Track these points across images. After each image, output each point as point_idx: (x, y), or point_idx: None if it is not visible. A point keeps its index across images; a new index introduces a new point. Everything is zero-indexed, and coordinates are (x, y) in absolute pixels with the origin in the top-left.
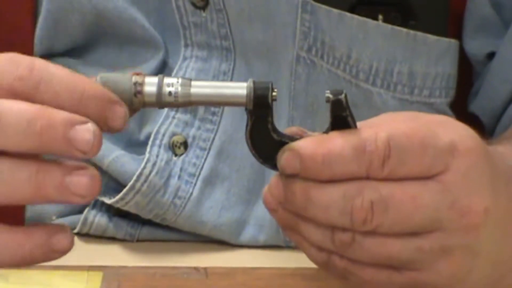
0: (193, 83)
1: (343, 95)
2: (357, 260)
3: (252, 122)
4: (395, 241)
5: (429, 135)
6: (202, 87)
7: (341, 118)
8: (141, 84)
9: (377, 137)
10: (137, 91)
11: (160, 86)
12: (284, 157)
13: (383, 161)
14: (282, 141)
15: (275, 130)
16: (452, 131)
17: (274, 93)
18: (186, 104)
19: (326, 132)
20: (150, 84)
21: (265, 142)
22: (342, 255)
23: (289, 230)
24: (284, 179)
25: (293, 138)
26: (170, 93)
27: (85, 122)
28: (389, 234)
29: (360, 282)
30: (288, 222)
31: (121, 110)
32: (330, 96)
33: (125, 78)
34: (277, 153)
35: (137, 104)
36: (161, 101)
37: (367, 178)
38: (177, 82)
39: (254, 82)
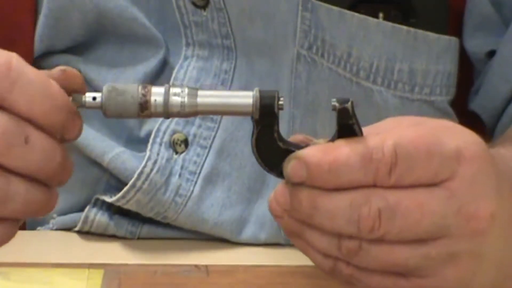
0: (199, 92)
1: (349, 104)
2: (364, 267)
3: (258, 131)
4: (402, 248)
5: (435, 142)
6: (208, 97)
7: (347, 126)
8: (148, 94)
9: (383, 145)
10: (144, 101)
11: (166, 96)
12: (291, 166)
13: (390, 169)
14: (288, 149)
15: (281, 138)
16: (458, 137)
17: (280, 102)
18: (192, 114)
19: (332, 140)
20: (157, 94)
21: (271, 150)
22: (349, 262)
23: (294, 237)
24: (290, 187)
25: (299, 146)
26: (176, 103)
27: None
28: (396, 242)
29: None
30: (294, 229)
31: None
32: (336, 104)
33: (131, 88)
34: (283, 161)
35: (143, 114)
36: (167, 111)
37: (374, 186)
38: (184, 91)
39: (260, 91)
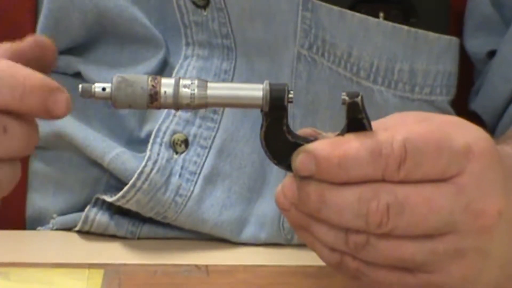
0: (209, 84)
1: (359, 98)
2: (371, 262)
3: (267, 123)
4: (409, 243)
5: (444, 137)
6: (218, 89)
7: (357, 120)
8: (158, 85)
9: (393, 140)
10: (154, 92)
11: (176, 87)
12: (299, 159)
13: (399, 164)
14: (297, 143)
15: (289, 131)
16: (466, 133)
17: (290, 95)
18: (202, 106)
19: (341, 134)
20: (167, 85)
21: (280, 143)
22: (355, 256)
23: (301, 230)
24: (298, 181)
25: (307, 140)
26: (186, 94)
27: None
28: (404, 237)
29: (372, 283)
30: (301, 222)
31: (62, 97)
32: (346, 98)
33: (141, 79)
34: (291, 154)
35: (153, 105)
36: (177, 103)
37: (383, 180)
38: (194, 83)
39: (270, 84)
